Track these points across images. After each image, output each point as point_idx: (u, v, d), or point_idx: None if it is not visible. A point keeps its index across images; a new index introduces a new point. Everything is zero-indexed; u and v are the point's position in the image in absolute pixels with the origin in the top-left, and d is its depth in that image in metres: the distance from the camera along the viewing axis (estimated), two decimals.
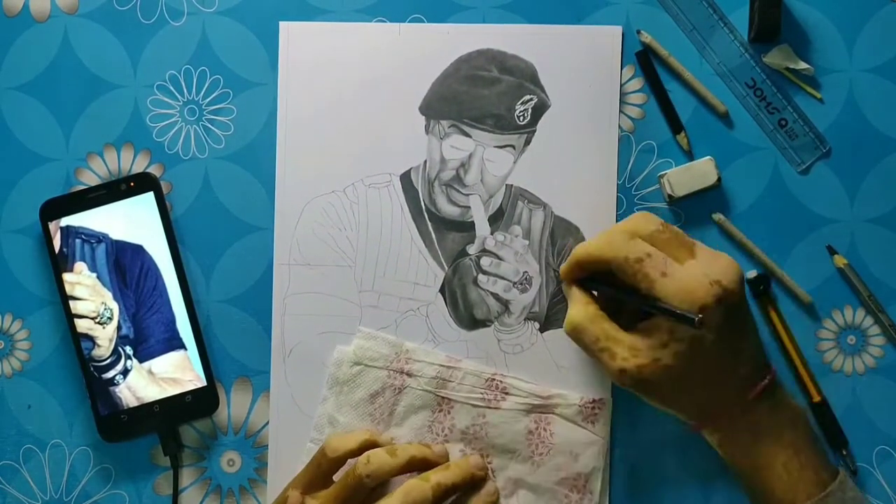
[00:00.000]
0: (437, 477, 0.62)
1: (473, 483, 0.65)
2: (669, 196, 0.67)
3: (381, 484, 0.63)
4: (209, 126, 0.69)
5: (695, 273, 0.58)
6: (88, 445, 0.69)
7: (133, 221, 0.68)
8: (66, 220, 0.67)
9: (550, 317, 0.68)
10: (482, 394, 0.66)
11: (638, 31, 0.68)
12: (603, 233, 0.61)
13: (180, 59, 0.69)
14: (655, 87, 0.68)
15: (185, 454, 0.69)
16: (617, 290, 0.61)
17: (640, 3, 0.69)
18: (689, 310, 0.56)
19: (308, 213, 0.69)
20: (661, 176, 0.67)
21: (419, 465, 0.64)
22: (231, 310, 0.69)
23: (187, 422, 0.68)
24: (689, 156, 0.68)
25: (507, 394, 0.66)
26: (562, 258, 0.68)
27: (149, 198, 0.68)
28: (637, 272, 0.58)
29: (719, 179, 0.66)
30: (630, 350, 0.58)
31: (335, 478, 0.64)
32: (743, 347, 0.60)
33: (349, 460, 0.63)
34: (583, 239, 0.68)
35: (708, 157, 0.67)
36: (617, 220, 0.68)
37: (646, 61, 0.68)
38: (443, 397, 0.66)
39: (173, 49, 0.69)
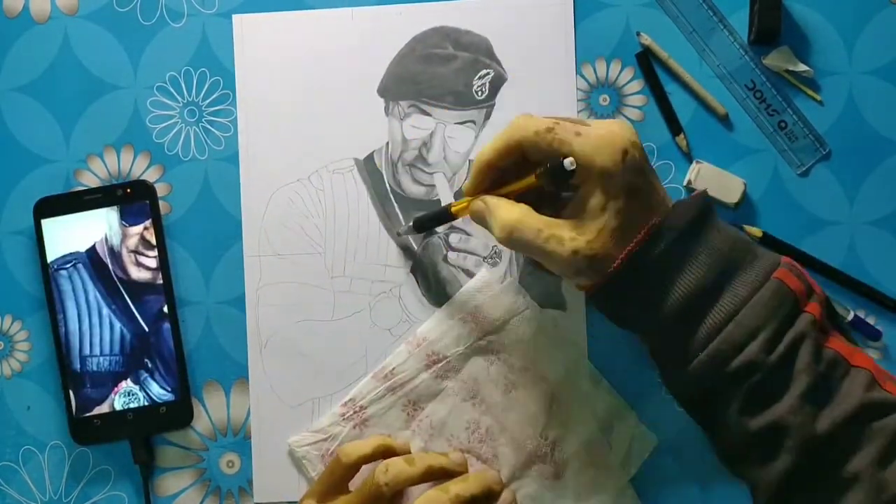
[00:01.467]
0: (456, 489, 0.62)
1: (491, 495, 0.64)
2: (689, 182, 0.67)
3: (398, 493, 0.63)
4: (209, 127, 0.69)
5: (604, 126, 0.57)
6: (88, 447, 0.69)
7: (126, 228, 0.68)
8: (60, 219, 0.68)
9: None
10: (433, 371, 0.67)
11: (638, 34, 0.68)
12: (496, 136, 0.59)
13: (180, 61, 0.70)
14: (655, 89, 0.68)
15: (186, 455, 0.69)
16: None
17: (640, 5, 0.68)
18: (611, 157, 0.55)
19: (274, 203, 0.69)
20: (698, 162, 0.67)
21: (437, 474, 0.63)
22: (231, 311, 0.69)
23: (160, 433, 0.68)
24: (688, 157, 0.68)
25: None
26: None
27: (144, 206, 0.68)
28: (552, 140, 0.57)
29: (738, 204, 0.66)
30: (575, 230, 0.57)
31: (351, 486, 0.64)
32: (657, 184, 0.59)
33: (364, 467, 0.64)
34: None
35: (743, 179, 0.66)
36: None
37: (645, 63, 0.68)
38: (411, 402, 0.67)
39: (173, 50, 0.69)
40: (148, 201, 0.68)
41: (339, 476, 0.64)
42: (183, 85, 0.70)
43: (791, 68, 0.68)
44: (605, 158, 0.56)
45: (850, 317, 0.66)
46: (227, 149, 0.69)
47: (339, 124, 0.69)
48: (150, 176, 0.69)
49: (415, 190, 0.69)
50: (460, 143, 0.69)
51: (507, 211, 0.58)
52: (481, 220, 0.60)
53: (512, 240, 0.58)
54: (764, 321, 0.55)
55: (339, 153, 0.69)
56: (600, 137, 0.56)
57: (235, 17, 0.69)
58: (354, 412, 0.67)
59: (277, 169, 0.69)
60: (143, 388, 0.68)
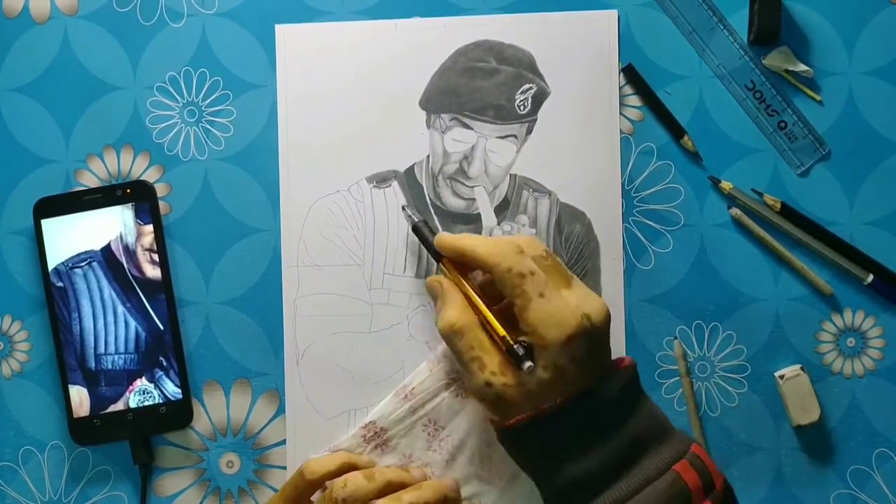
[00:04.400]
0: (409, 497, 0.62)
1: (447, 503, 0.63)
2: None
3: None
4: (209, 128, 0.69)
5: (569, 302, 0.57)
6: (88, 447, 0.69)
7: (126, 228, 0.68)
8: (60, 219, 0.68)
9: None
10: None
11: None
12: (490, 238, 0.61)
13: (180, 61, 0.69)
14: (649, 98, 0.68)
15: (186, 455, 0.69)
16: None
17: (640, 5, 0.69)
18: (557, 337, 0.56)
19: (314, 214, 0.69)
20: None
21: (397, 489, 0.63)
22: (230, 311, 0.69)
23: (160, 433, 0.68)
24: (696, 157, 0.68)
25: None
26: (570, 245, 0.68)
27: (144, 206, 0.68)
28: (517, 286, 0.58)
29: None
30: (500, 366, 0.58)
31: (313, 499, 0.64)
32: (606, 351, 0.59)
33: (327, 482, 0.63)
34: (590, 224, 0.68)
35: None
36: (623, 210, 0.68)
37: (633, 76, 0.68)
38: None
39: (173, 51, 0.69)
40: (148, 201, 0.68)
41: (302, 491, 0.63)
42: (183, 85, 0.70)
43: (791, 68, 0.68)
44: (553, 336, 0.56)
45: (869, 279, 0.66)
46: (227, 149, 0.69)
47: (380, 136, 0.69)
48: (150, 176, 0.69)
49: (455, 203, 0.69)
50: (501, 157, 0.68)
51: (456, 313, 0.60)
52: (433, 297, 0.63)
53: (445, 337, 0.60)
54: None
55: (380, 165, 0.69)
56: (556, 313, 0.57)
57: (278, 27, 0.69)
58: (375, 433, 0.66)
59: (317, 179, 0.69)
60: (158, 387, 0.68)
